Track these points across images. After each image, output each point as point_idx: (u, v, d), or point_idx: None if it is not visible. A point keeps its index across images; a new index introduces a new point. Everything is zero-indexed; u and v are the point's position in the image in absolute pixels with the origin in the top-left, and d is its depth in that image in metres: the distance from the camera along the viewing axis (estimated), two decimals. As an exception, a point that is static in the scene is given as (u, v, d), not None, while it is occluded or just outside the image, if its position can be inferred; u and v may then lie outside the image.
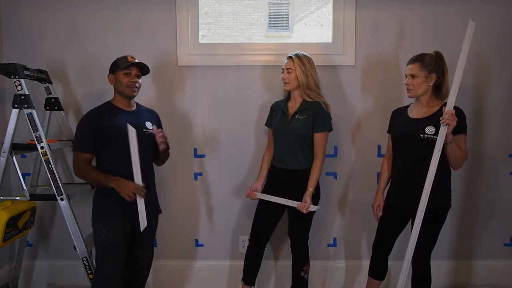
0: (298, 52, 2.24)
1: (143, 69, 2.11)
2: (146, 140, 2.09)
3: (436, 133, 1.96)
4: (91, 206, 2.09)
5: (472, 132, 2.63)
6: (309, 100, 2.23)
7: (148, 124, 2.14)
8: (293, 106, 2.29)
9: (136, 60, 2.07)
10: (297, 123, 2.23)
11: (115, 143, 1.99)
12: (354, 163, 2.68)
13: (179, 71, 2.62)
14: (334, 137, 2.59)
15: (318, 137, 2.23)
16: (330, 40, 2.66)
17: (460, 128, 1.96)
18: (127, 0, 2.58)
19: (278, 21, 11.63)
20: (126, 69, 2.03)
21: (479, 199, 2.69)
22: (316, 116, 2.21)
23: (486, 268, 2.71)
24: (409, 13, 2.57)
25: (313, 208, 2.19)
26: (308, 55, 2.25)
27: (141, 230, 2.00)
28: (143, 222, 1.99)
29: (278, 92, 2.53)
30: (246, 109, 2.64)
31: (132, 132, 1.95)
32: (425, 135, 2.01)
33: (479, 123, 2.64)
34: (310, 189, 2.20)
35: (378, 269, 2.27)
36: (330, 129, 2.27)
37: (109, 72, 2.09)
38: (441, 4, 2.55)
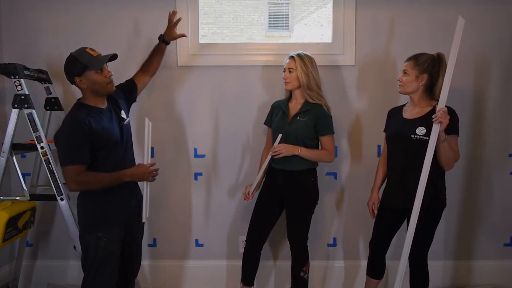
0: (300, 52, 2.24)
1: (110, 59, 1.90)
2: (128, 133, 2.00)
3: (427, 134, 1.97)
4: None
5: (472, 132, 2.63)
6: (311, 101, 2.23)
7: (123, 114, 2.00)
8: (294, 106, 2.28)
9: (98, 52, 1.86)
10: (298, 124, 2.22)
11: (107, 146, 1.86)
12: (354, 163, 2.68)
13: (179, 71, 2.62)
14: (334, 137, 2.59)
15: (325, 140, 2.25)
16: (330, 40, 2.66)
17: (452, 128, 1.97)
18: (127, 0, 2.58)
19: (278, 21, 11.64)
20: (99, 68, 1.82)
21: (479, 199, 2.69)
22: (319, 119, 2.21)
23: (486, 268, 2.71)
24: (409, 13, 2.57)
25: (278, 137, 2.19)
26: (310, 55, 2.25)
27: (143, 221, 1.95)
28: (146, 212, 1.95)
29: (278, 92, 2.53)
30: (246, 109, 2.64)
31: (148, 124, 1.93)
32: (415, 136, 2.02)
33: (479, 123, 2.64)
34: (300, 148, 2.18)
35: (376, 268, 2.29)
36: (333, 132, 2.27)
37: (75, 75, 1.82)
38: (441, 4, 2.55)
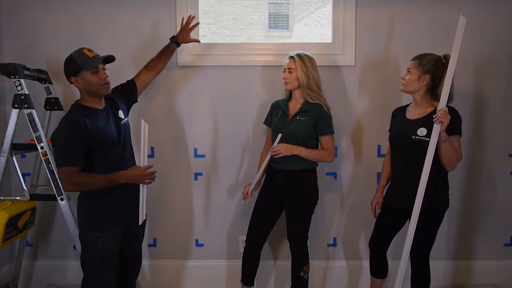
0: (300, 52, 2.24)
1: (107, 60, 1.90)
2: (126, 133, 2.00)
3: (428, 135, 1.96)
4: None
5: (472, 132, 2.63)
6: (310, 101, 2.23)
7: (121, 114, 2.01)
8: (294, 106, 2.28)
9: (95, 52, 1.87)
10: (298, 124, 2.22)
11: (104, 146, 1.87)
12: (354, 163, 2.68)
13: (179, 71, 2.62)
14: (334, 137, 2.59)
15: (324, 139, 2.25)
16: (330, 40, 2.66)
17: (454, 129, 1.96)
18: (127, 0, 2.58)
19: (278, 21, 11.63)
20: (93, 68, 1.82)
21: (479, 199, 2.69)
22: (319, 119, 2.21)
23: (486, 268, 2.71)
24: (409, 13, 2.57)
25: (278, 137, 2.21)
26: (310, 55, 2.25)
27: (140, 223, 1.94)
28: (142, 215, 1.93)
29: (278, 92, 2.53)
30: (246, 109, 2.64)
31: (144, 126, 1.91)
32: (416, 137, 2.01)
33: (479, 123, 2.64)
34: (300, 148, 2.18)
35: (377, 267, 2.29)
36: (333, 132, 2.27)
37: (71, 75, 1.85)
38: (441, 4, 2.55)
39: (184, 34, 2.34)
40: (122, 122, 1.99)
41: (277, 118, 2.32)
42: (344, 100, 2.62)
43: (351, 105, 2.64)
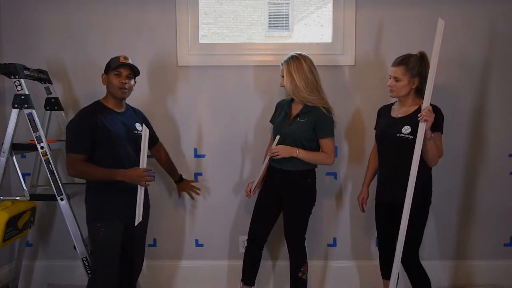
0: (290, 56, 2.20)
1: (135, 70, 2.09)
2: (136, 142, 2.07)
3: (412, 133, 2.00)
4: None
5: (472, 132, 2.63)
6: (309, 104, 2.22)
7: (138, 126, 2.14)
8: (296, 108, 2.27)
9: (128, 61, 2.06)
10: (297, 126, 2.22)
11: (107, 145, 1.99)
12: (354, 163, 2.68)
13: (179, 71, 2.62)
14: (335, 137, 2.59)
15: (324, 142, 2.23)
16: (330, 40, 2.66)
17: (436, 126, 1.99)
18: (127, 0, 2.58)
19: (278, 21, 11.62)
20: (116, 70, 2.02)
21: (479, 199, 2.69)
22: (317, 122, 2.19)
23: (486, 268, 2.71)
24: (409, 12, 2.57)
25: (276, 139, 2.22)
26: (300, 57, 2.18)
27: (135, 224, 1.99)
28: (139, 216, 1.98)
29: (278, 92, 2.53)
30: (246, 109, 2.65)
31: (145, 131, 2.01)
32: (401, 135, 2.05)
33: (479, 123, 2.64)
34: (298, 150, 2.18)
35: (386, 269, 2.27)
36: (333, 135, 2.23)
37: (104, 72, 2.08)
38: (441, 4, 2.55)
39: (186, 188, 2.54)
40: (135, 132, 2.10)
41: (279, 119, 2.31)
42: (344, 100, 2.62)
43: (351, 105, 2.64)
